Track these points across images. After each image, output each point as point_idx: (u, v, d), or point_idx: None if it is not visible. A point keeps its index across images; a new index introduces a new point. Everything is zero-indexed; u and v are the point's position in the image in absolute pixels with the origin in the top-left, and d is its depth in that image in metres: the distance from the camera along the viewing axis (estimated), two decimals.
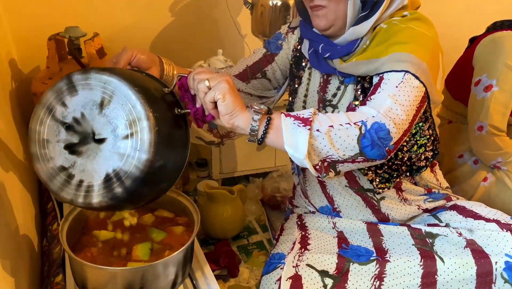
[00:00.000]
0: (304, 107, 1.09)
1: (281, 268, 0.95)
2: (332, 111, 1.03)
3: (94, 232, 0.96)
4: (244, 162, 1.75)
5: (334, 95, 1.03)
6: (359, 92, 0.98)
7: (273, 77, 1.17)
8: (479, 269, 0.91)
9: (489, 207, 1.05)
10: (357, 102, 0.98)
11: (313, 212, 1.17)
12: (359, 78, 0.98)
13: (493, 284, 0.90)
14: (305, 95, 1.09)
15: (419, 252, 0.96)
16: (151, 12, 1.71)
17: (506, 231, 0.94)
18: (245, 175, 1.81)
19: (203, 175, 1.85)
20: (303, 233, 1.08)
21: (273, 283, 0.94)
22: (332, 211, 1.12)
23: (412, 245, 0.98)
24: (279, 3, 1.58)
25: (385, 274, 0.94)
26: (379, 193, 1.06)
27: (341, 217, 1.11)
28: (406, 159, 1.04)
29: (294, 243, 1.04)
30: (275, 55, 1.15)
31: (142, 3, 1.68)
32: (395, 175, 1.05)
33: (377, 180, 1.04)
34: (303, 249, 1.01)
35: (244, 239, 1.59)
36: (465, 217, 1.03)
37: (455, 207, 1.08)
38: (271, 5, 1.59)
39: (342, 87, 1.02)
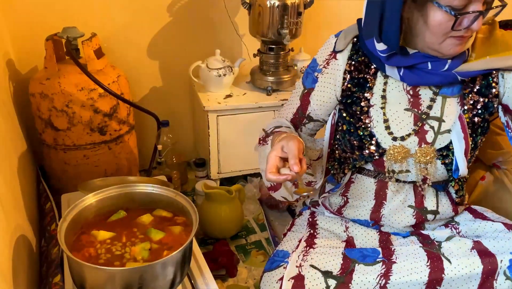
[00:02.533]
0: (390, 134, 1.01)
1: (284, 267, 0.95)
2: (439, 125, 1.00)
3: (93, 232, 0.96)
4: (242, 162, 1.75)
5: (430, 107, 1.00)
6: (470, 105, 0.99)
7: (319, 117, 1.10)
8: (485, 267, 0.92)
9: (497, 214, 1.08)
10: (468, 115, 0.99)
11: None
12: (465, 91, 0.99)
13: (494, 281, 0.91)
14: (385, 121, 1.01)
15: (426, 253, 0.97)
16: (148, 13, 1.71)
17: None
18: (243, 174, 1.81)
19: (201, 174, 1.85)
20: (312, 231, 1.08)
21: (275, 282, 0.93)
22: (372, 225, 1.09)
23: (420, 247, 0.99)
24: (277, 3, 1.58)
25: (391, 272, 0.94)
26: (458, 203, 1.07)
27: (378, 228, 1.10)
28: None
29: (299, 241, 1.04)
30: (311, 90, 1.09)
31: (139, 3, 1.68)
32: (462, 183, 1.07)
33: (459, 190, 1.06)
34: (308, 248, 1.00)
35: (243, 239, 1.59)
36: (474, 217, 1.06)
37: (466, 208, 1.11)
38: (268, 5, 1.59)
39: (440, 98, 1.00)
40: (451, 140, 0.99)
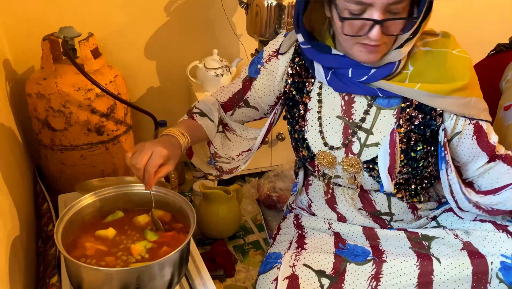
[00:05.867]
0: (323, 138, 1.00)
1: (277, 268, 0.95)
2: (366, 138, 0.97)
3: (97, 233, 0.96)
4: None
5: (363, 119, 0.97)
6: (405, 120, 0.94)
7: (257, 104, 1.11)
8: (475, 269, 0.91)
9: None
10: (402, 130, 0.94)
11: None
12: (403, 105, 0.94)
13: (488, 284, 0.90)
14: (320, 124, 1.00)
15: (415, 254, 0.96)
16: (146, 12, 1.70)
17: (502, 232, 0.95)
18: (241, 174, 1.81)
19: (199, 175, 1.85)
20: (300, 232, 1.08)
21: (270, 283, 0.94)
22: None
23: (409, 248, 0.98)
24: (274, 3, 1.58)
25: (382, 274, 0.94)
26: (410, 201, 1.05)
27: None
28: (429, 169, 1.04)
29: (290, 243, 1.04)
30: (253, 79, 1.09)
31: (137, 3, 1.68)
32: (419, 188, 1.05)
33: (407, 195, 1.03)
34: (299, 249, 1.01)
35: (240, 239, 1.59)
36: (460, 218, 1.04)
37: (451, 209, 1.07)
38: (266, 5, 1.59)
39: (374, 109, 0.96)
40: (377, 154, 0.96)
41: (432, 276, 0.92)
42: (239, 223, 1.58)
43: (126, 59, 1.73)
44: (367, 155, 0.97)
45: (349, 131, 0.98)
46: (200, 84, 1.73)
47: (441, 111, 0.94)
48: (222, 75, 1.69)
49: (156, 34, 1.75)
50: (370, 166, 0.97)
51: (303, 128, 1.03)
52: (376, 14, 0.83)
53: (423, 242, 0.99)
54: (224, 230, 1.54)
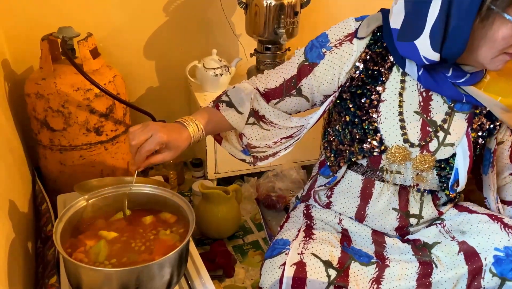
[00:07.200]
0: (405, 134, 0.99)
1: (285, 254, 0.95)
2: (444, 137, 0.98)
3: (100, 233, 0.96)
4: (239, 162, 1.74)
5: (445, 120, 0.98)
6: (477, 125, 0.99)
7: (310, 94, 1.05)
8: (470, 267, 0.93)
9: (485, 209, 1.07)
10: (474, 135, 0.98)
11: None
12: (476, 111, 0.98)
13: (482, 279, 0.92)
14: (401, 120, 0.98)
15: (418, 261, 0.98)
16: (145, 12, 1.70)
17: (497, 223, 0.96)
18: (240, 174, 1.81)
19: (198, 175, 1.84)
20: (308, 222, 1.08)
21: (277, 268, 0.94)
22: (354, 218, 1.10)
23: (412, 255, 1.00)
24: (273, 3, 1.58)
25: (383, 278, 0.96)
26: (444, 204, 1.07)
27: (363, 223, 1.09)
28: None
29: (299, 231, 1.05)
30: (315, 65, 1.02)
31: (136, 3, 1.67)
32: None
33: (455, 197, 1.06)
34: (307, 238, 1.01)
35: (240, 239, 1.59)
36: (460, 211, 1.06)
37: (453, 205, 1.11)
38: (265, 5, 1.59)
39: (450, 111, 0.99)
40: (452, 154, 0.98)
41: (430, 278, 0.95)
42: (239, 223, 1.58)
43: (125, 59, 1.73)
44: (441, 154, 0.98)
45: (428, 128, 0.99)
46: (199, 84, 1.73)
47: (500, 122, 0.99)
48: (221, 75, 1.69)
49: (155, 34, 1.75)
50: (442, 165, 0.98)
51: (375, 119, 0.99)
52: None
53: (425, 247, 1.02)
54: (224, 230, 1.54)
